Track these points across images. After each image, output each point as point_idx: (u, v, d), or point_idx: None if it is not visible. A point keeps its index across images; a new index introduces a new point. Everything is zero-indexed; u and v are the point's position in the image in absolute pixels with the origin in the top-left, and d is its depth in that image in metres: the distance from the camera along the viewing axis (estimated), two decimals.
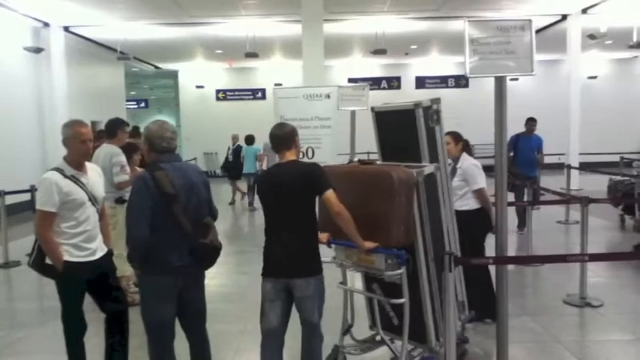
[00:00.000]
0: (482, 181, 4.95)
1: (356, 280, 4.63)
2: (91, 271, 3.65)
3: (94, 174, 3.80)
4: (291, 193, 3.37)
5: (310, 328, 3.49)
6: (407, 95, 21.55)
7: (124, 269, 5.23)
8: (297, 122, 7.73)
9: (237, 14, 13.30)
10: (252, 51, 14.95)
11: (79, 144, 3.61)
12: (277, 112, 7.99)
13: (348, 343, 4.09)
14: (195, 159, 19.13)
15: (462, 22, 3.18)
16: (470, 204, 4.95)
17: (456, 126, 15.32)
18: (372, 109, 4.15)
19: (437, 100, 3.75)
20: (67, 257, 3.55)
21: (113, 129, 5.79)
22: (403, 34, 15.78)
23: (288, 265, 3.40)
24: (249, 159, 13.20)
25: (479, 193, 4.93)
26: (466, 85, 20.45)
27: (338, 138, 7.85)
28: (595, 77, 20.51)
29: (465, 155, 5.09)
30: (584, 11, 13.65)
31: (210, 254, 3.40)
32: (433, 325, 3.68)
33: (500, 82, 3.27)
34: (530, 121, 9.05)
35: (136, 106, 29.37)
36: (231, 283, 7.24)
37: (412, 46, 18.30)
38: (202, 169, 16.79)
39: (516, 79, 18.73)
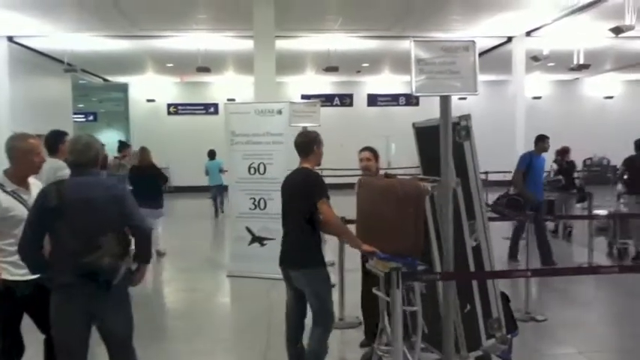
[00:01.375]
0: None
1: None
2: (30, 290, 3.51)
3: (36, 189, 3.68)
4: (294, 196, 3.99)
5: (314, 315, 3.99)
6: (359, 113, 21.84)
7: None
8: (249, 138, 7.75)
9: (189, 28, 13.19)
10: (204, 65, 14.83)
11: (34, 157, 3.53)
12: (228, 127, 7.92)
13: (384, 347, 4.13)
14: None
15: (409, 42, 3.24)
16: None
17: (406, 142, 15.39)
18: (413, 124, 4.39)
19: (467, 117, 3.76)
20: (5, 275, 3.41)
21: (54, 143, 5.49)
22: (355, 51, 16.00)
23: (288, 257, 4.05)
24: (213, 172, 13.90)
25: None
26: (417, 104, 20.84)
27: (290, 154, 7.84)
28: (539, 98, 21.28)
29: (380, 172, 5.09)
30: (528, 34, 14.16)
31: (93, 276, 3.09)
32: (452, 337, 3.71)
33: (445, 101, 3.34)
34: (544, 139, 8.39)
35: (84, 120, 28.55)
36: (181, 300, 7.12)
37: (364, 64, 18.56)
38: None
39: (464, 99, 19.27)
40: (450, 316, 3.49)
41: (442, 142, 3.38)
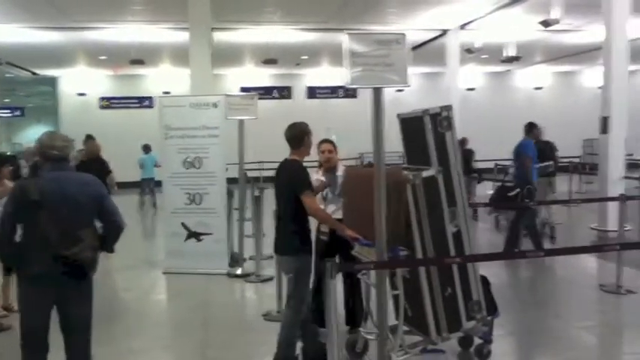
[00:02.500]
0: None
1: None
2: None
3: None
4: (282, 186, 4.19)
5: (288, 300, 4.22)
6: (298, 105, 21.80)
7: None
8: (184, 131, 7.59)
9: (123, 20, 12.78)
10: (138, 58, 14.41)
11: None
12: (163, 121, 7.72)
13: (369, 330, 4.29)
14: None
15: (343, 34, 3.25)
16: None
17: (345, 134, 15.52)
18: (398, 115, 4.46)
19: (447, 108, 3.98)
20: None
21: None
22: (294, 44, 15.96)
23: (278, 243, 4.28)
24: (147, 166, 14.13)
25: None
26: (355, 96, 21.01)
27: (227, 148, 7.74)
28: (473, 89, 21.88)
29: (340, 164, 5.12)
30: (462, 27, 14.53)
31: (73, 267, 3.27)
32: (433, 320, 3.94)
33: (377, 93, 3.36)
34: (537, 126, 8.52)
35: (10, 115, 27.28)
36: (116, 300, 6.91)
37: (303, 57, 18.54)
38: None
39: (401, 91, 19.57)
40: (385, 306, 3.53)
41: (374, 133, 3.40)
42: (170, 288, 7.34)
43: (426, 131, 4.01)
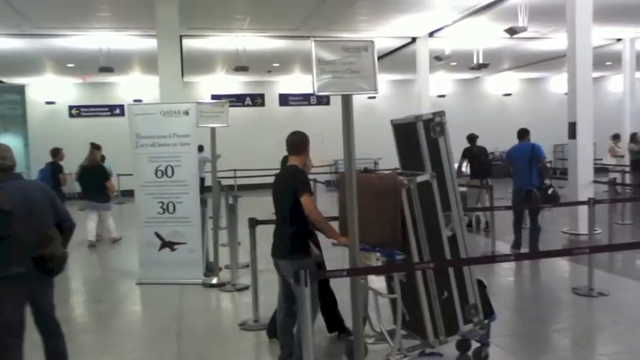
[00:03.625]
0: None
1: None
2: None
3: None
4: (281, 191, 4.28)
5: (297, 305, 4.10)
6: (271, 112, 21.78)
7: None
8: (155, 140, 7.51)
9: (90, 27, 12.59)
10: (107, 65, 14.21)
11: None
12: (133, 129, 7.63)
13: (367, 333, 4.31)
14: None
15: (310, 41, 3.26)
16: None
17: (319, 142, 15.71)
18: (391, 122, 4.57)
19: (440, 113, 4.06)
20: None
21: None
22: (265, 51, 15.94)
23: (276, 247, 4.35)
24: None
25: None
26: (327, 103, 21.07)
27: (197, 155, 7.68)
28: (444, 96, 22.15)
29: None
30: (430, 35, 14.70)
31: (54, 263, 3.69)
32: (430, 323, 3.99)
33: (347, 100, 3.38)
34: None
35: None
36: (86, 313, 6.79)
37: (274, 64, 18.52)
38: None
39: (374, 97, 19.71)
40: (359, 313, 3.54)
41: (344, 139, 3.41)
42: (144, 298, 7.24)
43: (419, 137, 4.09)
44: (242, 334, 5.44)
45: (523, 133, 9.12)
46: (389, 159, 15.48)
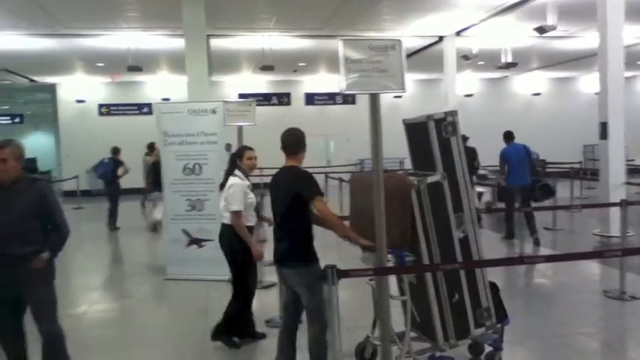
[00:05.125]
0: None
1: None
2: None
3: None
4: (285, 195, 3.93)
5: (307, 313, 4.00)
6: (297, 111, 21.84)
7: None
8: (183, 138, 7.60)
9: (118, 27, 12.79)
10: (136, 65, 14.42)
11: None
12: (160, 127, 7.74)
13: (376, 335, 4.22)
14: (76, 177, 18.03)
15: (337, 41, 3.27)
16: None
17: (345, 141, 15.80)
18: (403, 121, 4.48)
19: (452, 113, 3.96)
20: None
21: None
22: (291, 51, 15.99)
23: (280, 254, 4.04)
24: None
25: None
26: (353, 102, 21.07)
27: (225, 154, 7.73)
28: (471, 95, 21.94)
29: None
30: (458, 34, 14.58)
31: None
32: (441, 326, 3.93)
33: (374, 99, 3.38)
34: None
35: (9, 122, 27.33)
36: (114, 308, 6.90)
37: (300, 64, 18.57)
38: (84, 187, 16.08)
39: (399, 97, 19.62)
40: (387, 311, 3.53)
41: (372, 139, 3.41)
42: (171, 295, 7.33)
43: (430, 137, 4.02)
44: (268, 331, 5.46)
45: (511, 135, 9.80)
46: None
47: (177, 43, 12.60)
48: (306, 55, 17.02)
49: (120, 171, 12.50)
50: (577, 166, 17.43)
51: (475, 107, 21.72)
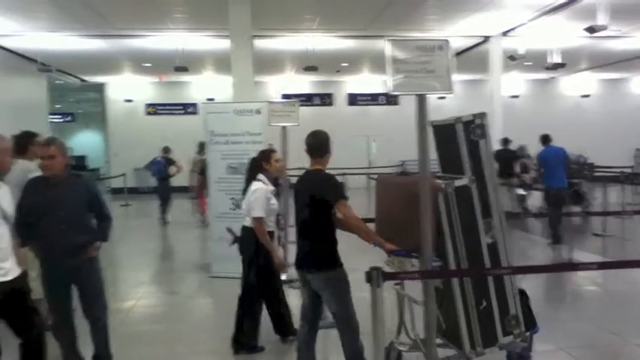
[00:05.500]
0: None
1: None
2: (3, 293, 3.46)
3: (2, 191, 3.63)
4: (310, 198, 3.87)
5: (336, 319, 3.95)
6: (339, 112, 21.87)
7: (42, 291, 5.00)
8: (228, 137, 7.71)
9: (165, 27, 13.07)
10: (182, 65, 14.70)
11: (8, 157, 3.68)
12: (207, 127, 7.87)
13: (403, 341, 4.22)
14: (124, 175, 18.51)
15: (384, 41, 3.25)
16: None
17: (386, 142, 15.74)
18: (431, 123, 4.31)
19: (481, 115, 3.84)
20: None
21: (22, 144, 5.35)
22: (334, 51, 16.01)
23: (303, 259, 3.98)
24: None
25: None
26: (396, 103, 20.94)
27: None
28: (517, 96, 21.51)
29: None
30: (504, 34, 14.32)
31: None
32: (467, 333, 3.83)
33: (421, 100, 3.35)
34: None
35: (61, 120, 28.19)
36: (160, 303, 7.05)
37: (343, 64, 18.57)
38: (132, 185, 16.54)
39: (443, 98, 19.39)
40: (433, 316, 3.50)
41: (419, 140, 3.38)
42: (215, 292, 7.43)
43: (458, 139, 3.92)
44: None
45: (548, 138, 9.90)
46: None
47: (223, 44, 12.80)
48: (349, 55, 17.02)
49: (172, 170, 13.12)
50: (628, 170, 16.85)
51: (521, 109, 21.30)
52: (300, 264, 4.04)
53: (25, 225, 3.91)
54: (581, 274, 7.38)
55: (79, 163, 27.26)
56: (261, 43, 14.11)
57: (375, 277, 3.32)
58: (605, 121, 22.10)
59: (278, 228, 5.47)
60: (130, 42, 14.61)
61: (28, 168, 5.27)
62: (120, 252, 10.11)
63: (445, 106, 20.00)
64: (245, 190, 5.11)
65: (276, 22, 12.80)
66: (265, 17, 11.91)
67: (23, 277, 3.71)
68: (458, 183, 3.78)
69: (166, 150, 13.68)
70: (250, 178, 5.09)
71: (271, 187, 5.05)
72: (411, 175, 4.24)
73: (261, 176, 5.05)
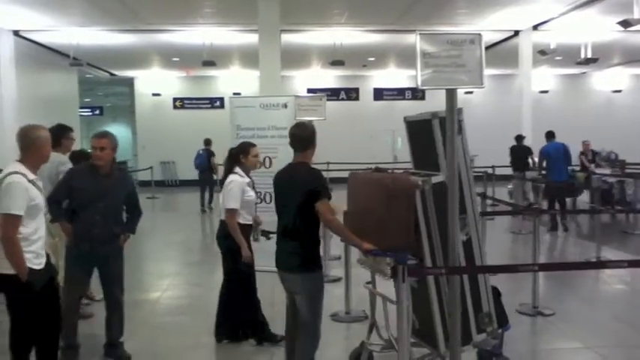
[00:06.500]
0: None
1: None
2: (44, 280, 3.56)
3: (40, 183, 3.72)
4: (294, 194, 3.65)
5: (301, 323, 3.81)
6: (365, 106, 21.79)
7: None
8: (254, 132, 7.73)
9: (195, 22, 13.18)
10: (210, 59, 14.81)
11: (49, 147, 3.65)
12: (234, 121, 7.91)
13: (375, 342, 4.20)
14: (151, 168, 18.75)
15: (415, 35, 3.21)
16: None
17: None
18: (405, 118, 4.31)
19: (458, 111, 3.66)
20: (29, 265, 3.41)
21: (57, 137, 5.37)
22: (361, 45, 15.95)
23: (283, 259, 3.80)
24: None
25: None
26: (422, 98, 20.76)
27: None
28: (546, 92, 21.15)
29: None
30: (535, 28, 14.06)
31: None
32: (442, 332, 3.75)
33: (450, 95, 3.32)
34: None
35: (90, 114, 28.66)
36: (186, 294, 7.12)
37: (370, 58, 18.50)
38: (159, 178, 16.77)
39: (471, 93, 19.18)
40: (457, 315, 3.47)
41: (448, 137, 3.35)
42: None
43: (434, 135, 3.79)
44: (333, 325, 5.50)
45: (552, 135, 10.66)
46: (485, 157, 15.07)
47: (250, 39, 12.85)
48: (376, 49, 16.94)
49: (214, 161, 13.85)
50: None
51: (551, 104, 20.95)
52: (279, 264, 3.86)
53: (55, 203, 4.27)
54: (609, 272, 7.25)
55: None
56: (289, 38, 14.13)
57: (400, 272, 3.28)
58: (637, 117, 21.60)
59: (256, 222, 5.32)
60: (160, 37, 14.78)
61: (60, 160, 5.39)
62: (147, 244, 10.26)
63: (472, 100, 19.94)
64: (222, 182, 5.04)
65: (304, 17, 12.79)
66: (294, 12, 11.91)
67: (50, 263, 3.80)
68: (435, 179, 3.65)
69: (207, 142, 14.30)
70: (228, 170, 4.98)
71: (247, 179, 4.94)
72: (386, 172, 4.12)
73: (237, 169, 4.93)
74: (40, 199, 3.51)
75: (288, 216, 3.73)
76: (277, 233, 3.89)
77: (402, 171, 4.46)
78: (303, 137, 3.79)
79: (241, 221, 4.90)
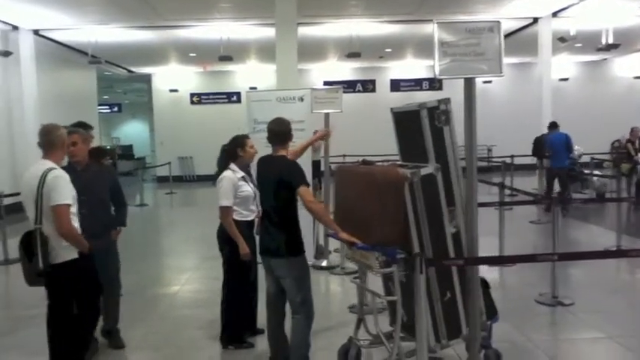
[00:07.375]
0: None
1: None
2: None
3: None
4: (275, 184, 3.93)
5: (293, 306, 4.04)
6: (382, 98, 21.64)
7: None
8: None
9: (212, 17, 13.21)
10: (227, 54, 14.85)
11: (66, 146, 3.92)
12: (250, 115, 7.92)
13: (363, 337, 4.19)
14: (169, 163, 18.89)
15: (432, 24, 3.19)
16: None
17: None
18: (391, 110, 4.30)
19: (445, 101, 3.65)
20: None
21: None
22: (378, 37, 15.85)
23: (268, 245, 4.06)
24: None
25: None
26: (440, 88, 20.60)
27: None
28: (566, 79, 20.84)
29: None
30: (554, 15, 13.85)
31: None
32: (432, 326, 3.73)
33: (469, 84, 3.28)
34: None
35: (109, 111, 28.98)
36: (205, 288, 7.16)
37: (387, 50, 18.38)
38: (176, 173, 16.85)
39: (489, 82, 18.98)
40: (477, 304, 3.44)
41: (466, 130, 3.31)
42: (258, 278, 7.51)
43: (422, 126, 3.71)
44: (351, 317, 5.48)
45: (555, 125, 11.54)
46: (503, 146, 14.93)
47: (267, 33, 12.85)
48: (393, 40, 16.82)
49: None
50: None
51: (571, 92, 20.66)
52: (264, 250, 4.12)
53: None
54: (631, 261, 7.15)
55: (126, 152, 28.03)
56: (305, 31, 14.09)
57: (418, 262, 3.24)
58: None
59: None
60: (177, 32, 14.85)
61: None
62: (166, 239, 10.34)
63: (491, 90, 19.74)
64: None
65: (321, 9, 12.74)
66: (310, 4, 11.87)
67: None
68: (424, 171, 3.59)
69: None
70: (223, 166, 4.88)
71: (240, 174, 4.79)
72: (374, 165, 4.04)
73: (231, 165, 4.81)
74: (74, 191, 3.76)
75: (271, 205, 4.03)
76: (262, 220, 4.19)
77: (389, 163, 4.42)
78: (279, 132, 4.05)
79: (237, 217, 4.77)
